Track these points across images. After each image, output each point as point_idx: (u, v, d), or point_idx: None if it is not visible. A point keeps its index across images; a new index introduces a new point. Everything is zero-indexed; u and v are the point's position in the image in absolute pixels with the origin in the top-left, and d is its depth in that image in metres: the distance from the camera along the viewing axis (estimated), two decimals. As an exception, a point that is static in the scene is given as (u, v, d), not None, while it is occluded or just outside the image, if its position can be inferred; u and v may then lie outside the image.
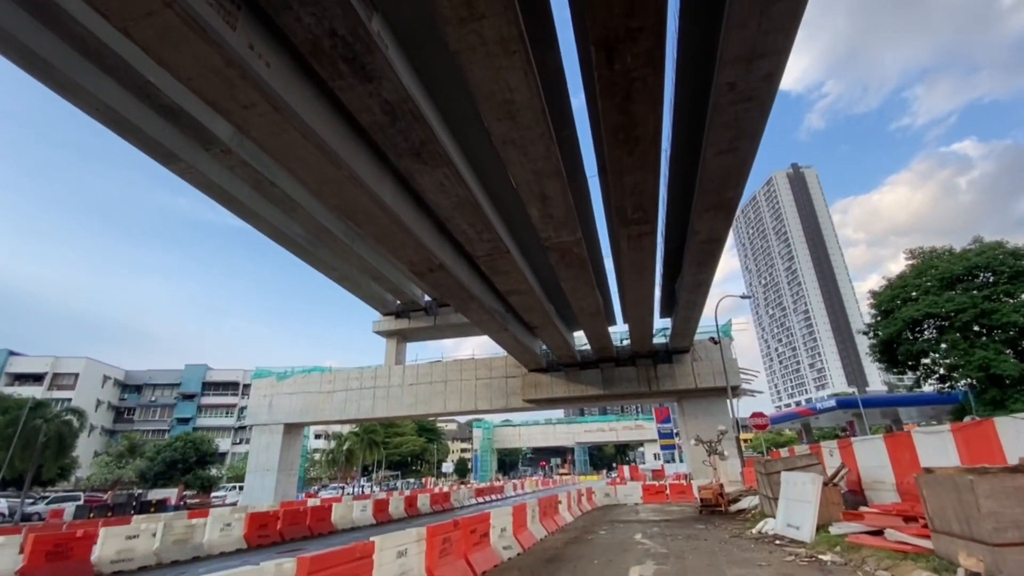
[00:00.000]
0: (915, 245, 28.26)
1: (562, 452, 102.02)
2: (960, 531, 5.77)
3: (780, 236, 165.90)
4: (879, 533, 7.83)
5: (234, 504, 31.84)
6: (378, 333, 35.75)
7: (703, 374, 28.18)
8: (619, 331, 28.52)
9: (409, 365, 33.90)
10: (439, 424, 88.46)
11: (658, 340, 28.29)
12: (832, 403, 41.31)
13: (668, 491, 22.98)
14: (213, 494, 40.44)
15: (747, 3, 7.72)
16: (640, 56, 8.37)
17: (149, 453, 45.27)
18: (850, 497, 10.75)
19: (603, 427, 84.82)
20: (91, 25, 11.92)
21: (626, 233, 14.40)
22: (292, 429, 34.63)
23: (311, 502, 27.59)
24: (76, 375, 58.42)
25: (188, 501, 34.21)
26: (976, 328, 22.96)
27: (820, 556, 7.57)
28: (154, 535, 10.46)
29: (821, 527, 8.98)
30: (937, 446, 8.68)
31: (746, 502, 15.41)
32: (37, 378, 56.83)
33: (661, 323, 27.09)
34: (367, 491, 47.19)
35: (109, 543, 9.78)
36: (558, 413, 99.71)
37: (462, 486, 43.55)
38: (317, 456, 66.46)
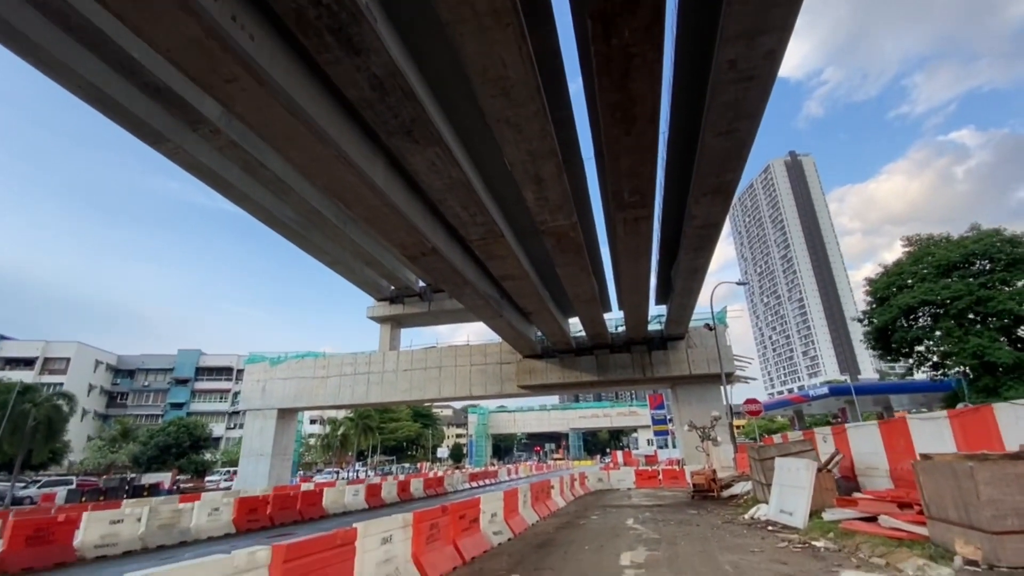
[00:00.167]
0: (910, 234, 28.16)
1: (557, 438, 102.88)
2: (957, 518, 5.67)
3: (776, 224, 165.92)
4: (873, 519, 7.76)
5: (228, 488, 31.82)
6: (372, 319, 35.55)
7: (697, 361, 28.19)
8: (614, 318, 28.44)
9: (403, 351, 33.78)
10: (434, 410, 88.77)
11: (653, 327, 28.23)
12: (825, 390, 41.60)
13: (661, 476, 23.08)
14: (207, 478, 40.47)
15: (750, -26, 7.41)
16: (638, 31, 8.06)
17: (142, 438, 45.15)
18: (843, 483, 10.72)
19: (597, 413, 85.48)
20: (70, -3, 11.46)
21: (622, 217, 14.17)
22: (286, 414, 34.56)
23: (305, 487, 27.62)
24: (67, 360, 58.00)
25: (182, 485, 34.18)
26: (971, 316, 22.97)
27: (813, 542, 7.50)
28: (139, 520, 10.32)
29: (814, 513, 8.93)
30: (933, 432, 8.59)
31: (739, 488, 15.43)
32: (28, 362, 56.40)
33: (656, 310, 27.02)
34: (362, 476, 47.37)
35: (92, 528, 9.62)
36: (553, 399, 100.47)
37: (456, 471, 43.75)
38: (312, 441, 66.59)
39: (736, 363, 29.47)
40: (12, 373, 49.08)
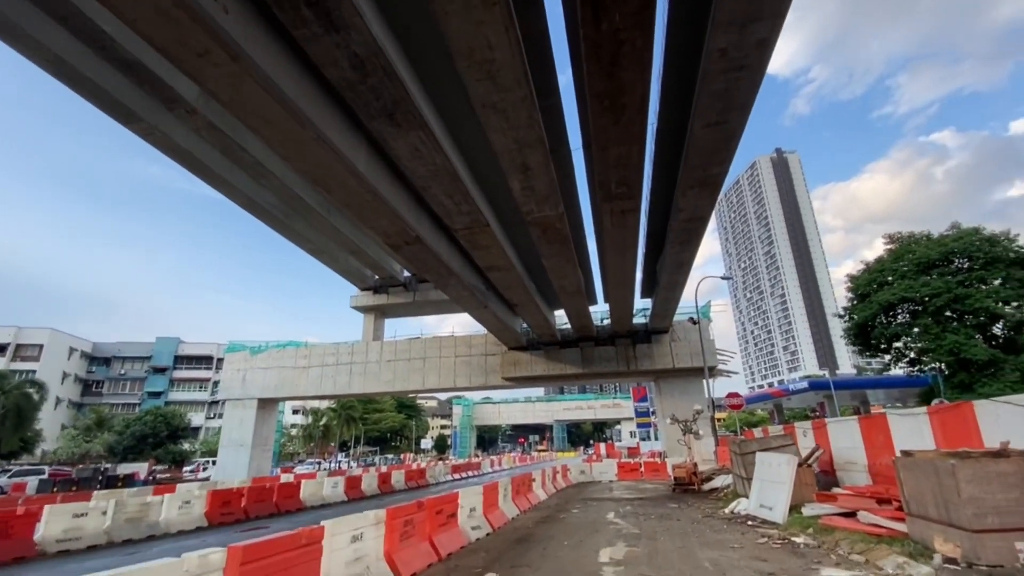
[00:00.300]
0: (890, 232, 28.50)
1: (541, 429, 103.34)
2: (938, 516, 5.63)
3: (761, 220, 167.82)
4: (852, 515, 7.76)
5: (206, 479, 31.28)
6: (355, 308, 35.06)
7: (681, 354, 28.36)
8: (600, 310, 28.44)
9: (387, 341, 33.43)
10: (419, 401, 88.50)
11: (638, 320, 28.28)
12: (804, 384, 42.17)
13: (643, 469, 23.20)
14: (185, 468, 39.80)
15: (744, -41, 7.21)
16: (629, 16, 7.83)
17: (118, 427, 44.19)
18: (822, 477, 10.77)
19: (582, 405, 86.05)
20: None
21: (609, 209, 14.00)
22: (266, 404, 34.04)
23: (284, 477, 27.24)
24: (40, 346, 56.39)
25: (158, 476, 33.52)
26: (948, 313, 23.35)
27: (793, 538, 7.47)
28: (104, 513, 9.94)
29: (794, 508, 8.93)
30: (912, 428, 8.61)
31: (719, 481, 15.51)
32: (-1, 349, 54.80)
33: (641, 303, 27.05)
34: (344, 467, 47.02)
35: (54, 521, 9.22)
36: (538, 391, 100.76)
37: (439, 462, 43.64)
38: (295, 431, 65.93)
39: (719, 357, 29.73)
40: (-19, 359, 47.60)
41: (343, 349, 33.20)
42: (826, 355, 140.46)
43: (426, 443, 78.95)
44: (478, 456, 64.64)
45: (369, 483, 20.68)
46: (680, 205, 14.32)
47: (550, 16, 10.42)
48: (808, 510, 8.62)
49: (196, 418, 62.24)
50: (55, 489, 23.84)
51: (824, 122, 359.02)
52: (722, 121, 10.65)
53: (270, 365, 33.64)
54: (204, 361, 66.77)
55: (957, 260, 24.22)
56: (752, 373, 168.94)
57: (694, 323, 25.88)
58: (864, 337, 26.68)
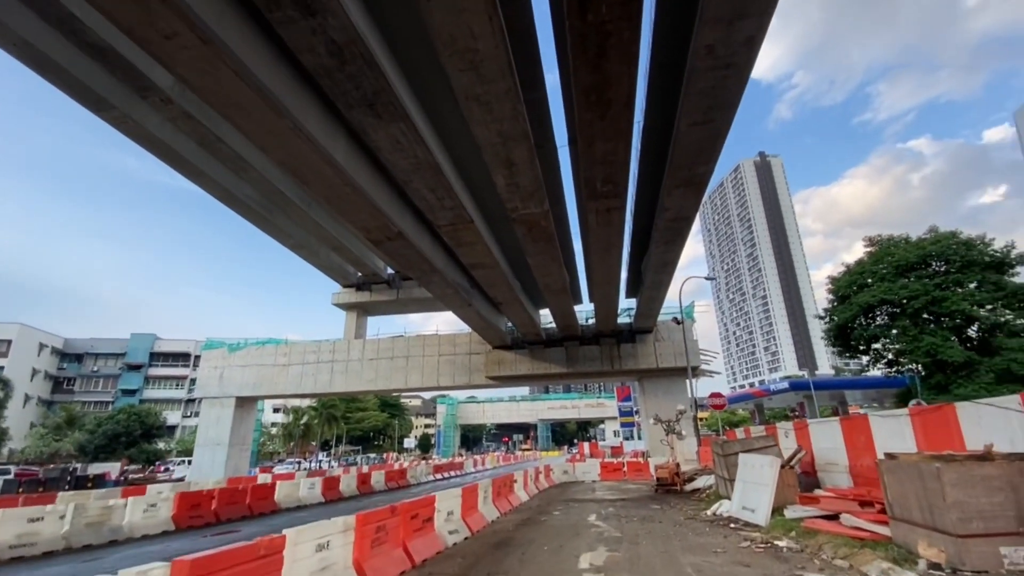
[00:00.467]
0: (869, 236, 28.94)
1: (525, 428, 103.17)
2: (922, 520, 5.54)
3: (744, 222, 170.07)
4: (835, 518, 7.69)
5: (181, 479, 30.46)
6: (337, 306, 34.48)
7: (665, 354, 28.40)
8: (585, 309, 28.36)
9: (370, 339, 32.91)
10: (403, 399, 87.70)
11: (622, 320, 28.25)
12: (785, 385, 42.66)
13: (626, 468, 23.14)
14: (161, 467, 38.75)
15: (733, -49, 7.07)
16: (616, 6, 7.65)
17: (90, 425, 42.86)
18: (803, 479, 10.73)
19: (566, 404, 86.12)
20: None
21: (595, 207, 13.84)
22: (244, 403, 33.29)
23: (262, 478, 26.61)
24: (8, 342, 54.52)
25: (130, 476, 32.54)
26: (926, 315, 23.73)
27: (776, 542, 7.36)
28: (63, 517, 9.45)
29: (776, 510, 8.84)
30: (893, 430, 8.59)
31: (701, 481, 15.47)
32: (-36, 345, 52.87)
33: (626, 303, 27.01)
34: (325, 467, 46.28)
35: (8, 525, 8.71)
36: (523, 390, 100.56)
37: (422, 462, 43.18)
38: (275, 430, 64.78)
39: (702, 357, 29.87)
40: (-55, 356, 45.85)
41: (324, 347, 32.62)
42: (806, 356, 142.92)
43: (409, 442, 78.29)
44: (462, 455, 64.24)
45: (348, 484, 20.25)
46: (665, 204, 14.22)
47: (536, 9, 10.20)
48: (791, 512, 8.54)
49: (172, 416, 60.80)
50: (20, 490, 22.95)
51: (806, 127, 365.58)
52: (708, 120, 10.54)
53: (249, 363, 32.90)
54: (181, 358, 65.26)
55: (935, 263, 24.64)
56: (734, 373, 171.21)
57: (678, 323, 25.98)
58: (844, 338, 27.03)
